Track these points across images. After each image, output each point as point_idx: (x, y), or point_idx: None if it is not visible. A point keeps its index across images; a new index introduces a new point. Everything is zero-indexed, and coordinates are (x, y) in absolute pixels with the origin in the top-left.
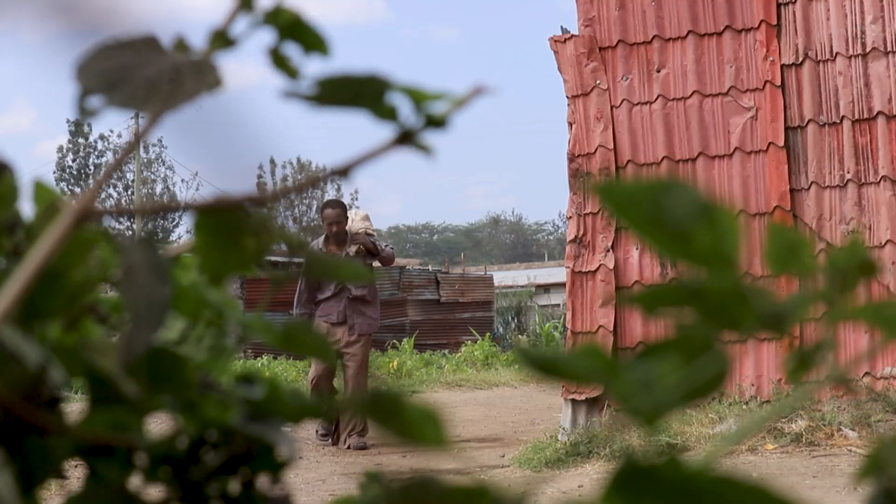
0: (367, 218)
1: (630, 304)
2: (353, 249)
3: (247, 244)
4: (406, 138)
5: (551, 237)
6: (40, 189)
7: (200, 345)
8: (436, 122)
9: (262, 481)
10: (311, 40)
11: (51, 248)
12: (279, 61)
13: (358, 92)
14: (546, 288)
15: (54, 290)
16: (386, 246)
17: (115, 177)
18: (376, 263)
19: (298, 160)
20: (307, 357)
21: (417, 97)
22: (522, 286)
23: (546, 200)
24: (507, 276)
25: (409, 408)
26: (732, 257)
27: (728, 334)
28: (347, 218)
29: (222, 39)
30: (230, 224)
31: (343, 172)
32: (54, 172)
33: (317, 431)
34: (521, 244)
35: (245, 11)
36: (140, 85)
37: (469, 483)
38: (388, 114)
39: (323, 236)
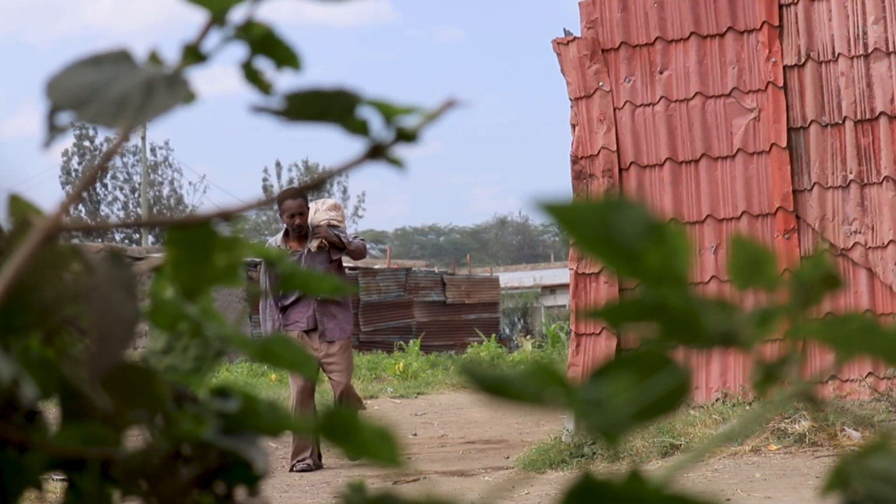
0: (335, 207)
1: (594, 318)
2: (314, 244)
3: (218, 259)
4: (377, 152)
5: (557, 238)
6: (16, 202)
7: (186, 354)
8: (406, 136)
9: (240, 494)
10: (284, 55)
11: (21, 264)
12: (251, 76)
13: (327, 106)
14: (552, 289)
15: (27, 305)
16: (355, 238)
17: (123, 179)
18: (345, 260)
19: (305, 163)
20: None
21: (388, 111)
22: (528, 287)
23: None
24: (513, 278)
25: (364, 427)
26: (682, 275)
27: (689, 349)
28: (308, 209)
29: (194, 54)
30: (201, 239)
31: (314, 187)
32: (60, 176)
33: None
34: (528, 245)
35: (217, 25)
36: (110, 101)
37: (425, 496)
38: (358, 128)
39: (282, 232)
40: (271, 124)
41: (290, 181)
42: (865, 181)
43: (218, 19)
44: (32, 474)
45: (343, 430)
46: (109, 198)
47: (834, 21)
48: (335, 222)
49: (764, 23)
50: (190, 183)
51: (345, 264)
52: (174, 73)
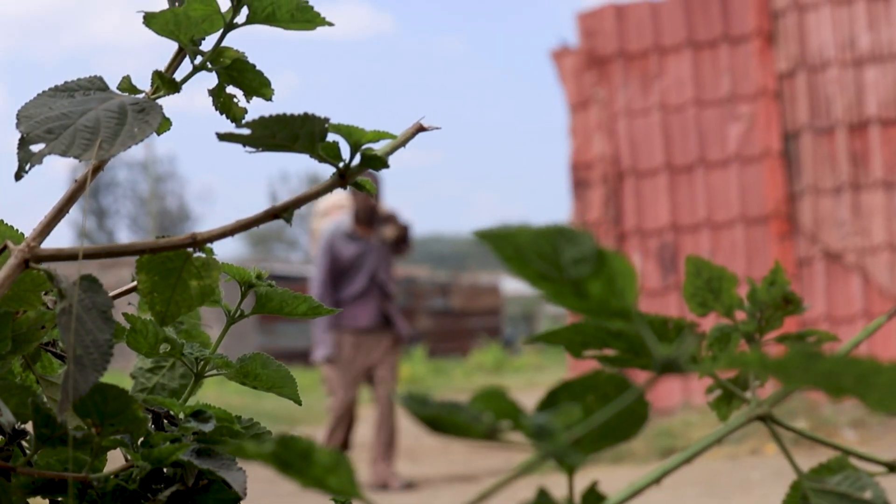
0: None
1: (555, 341)
2: (390, 234)
3: (192, 284)
4: (346, 178)
5: None
6: None
7: (174, 372)
8: (375, 162)
9: None
10: (254, 82)
11: None
12: (223, 103)
13: (294, 133)
14: None
15: (3, 331)
16: None
17: (129, 191)
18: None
19: (312, 175)
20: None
21: (355, 137)
22: (531, 293)
23: (554, 207)
24: (516, 284)
25: (318, 455)
26: (627, 305)
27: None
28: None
29: (167, 82)
30: (173, 265)
31: (281, 213)
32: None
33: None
34: None
35: (189, 54)
36: (79, 132)
37: None
38: (327, 154)
39: (351, 217)
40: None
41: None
42: (858, 185)
43: (189, 49)
44: (19, 499)
45: (295, 459)
46: (116, 210)
47: (825, 28)
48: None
49: (757, 31)
50: (196, 194)
51: None
52: (147, 101)
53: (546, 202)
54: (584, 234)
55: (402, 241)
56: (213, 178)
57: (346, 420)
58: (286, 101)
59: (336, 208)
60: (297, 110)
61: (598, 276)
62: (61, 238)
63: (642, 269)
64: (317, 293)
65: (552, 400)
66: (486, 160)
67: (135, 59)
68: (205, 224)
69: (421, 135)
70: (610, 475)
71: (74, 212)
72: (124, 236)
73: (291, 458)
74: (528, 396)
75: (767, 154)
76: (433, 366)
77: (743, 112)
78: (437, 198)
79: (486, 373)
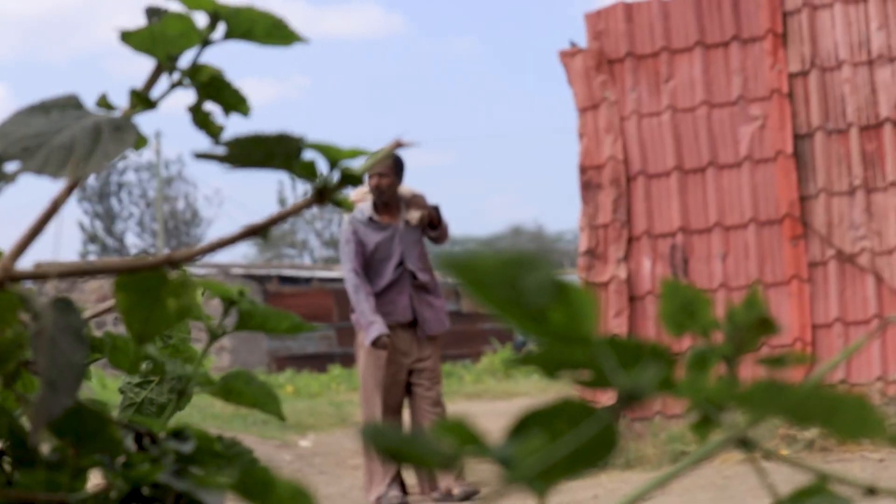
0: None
1: (531, 365)
2: (415, 216)
3: (169, 304)
4: (324, 195)
5: (571, 245)
6: None
7: (162, 387)
8: (352, 180)
9: None
10: (232, 99)
11: None
12: (201, 120)
13: (270, 152)
14: None
15: None
16: None
17: (138, 195)
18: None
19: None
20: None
21: (332, 155)
22: None
23: (567, 208)
24: None
25: (280, 484)
26: (588, 333)
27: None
28: (396, 177)
29: (143, 100)
30: (151, 284)
31: (260, 232)
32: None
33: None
34: (543, 253)
35: (166, 70)
36: (55, 151)
37: None
38: (304, 172)
39: (371, 202)
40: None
41: (306, 193)
42: (871, 187)
43: (166, 64)
44: None
45: (257, 488)
46: (125, 213)
47: (838, 28)
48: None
49: (768, 31)
50: (205, 197)
51: (334, 274)
52: (122, 119)
53: (560, 204)
54: (543, 262)
55: (433, 224)
56: (222, 180)
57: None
58: (297, 101)
59: (368, 194)
60: (308, 111)
61: (559, 305)
62: (71, 243)
63: (652, 273)
64: (350, 286)
65: (521, 427)
66: (500, 162)
67: (142, 63)
68: (214, 227)
69: (434, 136)
70: (619, 481)
71: (82, 216)
72: (131, 240)
73: (254, 488)
74: (539, 403)
75: (779, 156)
76: (444, 369)
77: (754, 113)
78: (450, 200)
79: (498, 377)
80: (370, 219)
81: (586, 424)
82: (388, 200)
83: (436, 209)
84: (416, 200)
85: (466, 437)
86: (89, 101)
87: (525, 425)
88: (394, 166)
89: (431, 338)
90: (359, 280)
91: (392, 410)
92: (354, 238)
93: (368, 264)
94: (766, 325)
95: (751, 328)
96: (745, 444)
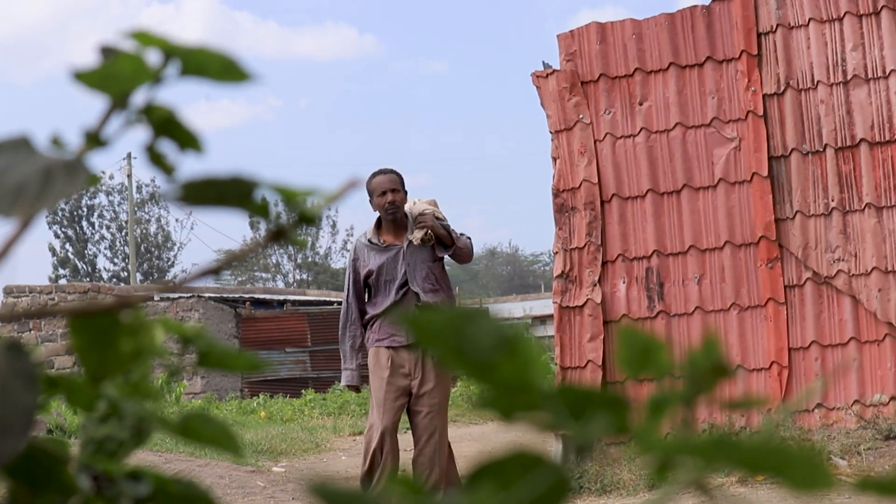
0: (434, 203)
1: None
2: (417, 236)
3: (123, 345)
4: (279, 235)
5: (547, 268)
6: None
7: (123, 423)
8: (307, 219)
9: None
10: (186, 138)
11: None
12: (155, 159)
13: (223, 192)
14: (542, 319)
15: None
16: (461, 234)
17: (109, 218)
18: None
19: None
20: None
21: (287, 194)
22: (519, 318)
23: (541, 231)
24: (503, 309)
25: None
26: (535, 385)
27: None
28: (406, 193)
29: (95, 139)
30: (104, 327)
31: (215, 272)
32: (46, 216)
33: None
34: (518, 276)
35: (119, 109)
36: (7, 189)
37: None
38: (259, 211)
39: (373, 223)
40: (257, 160)
41: (278, 216)
42: (847, 208)
43: (119, 103)
44: None
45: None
46: (97, 237)
47: (812, 49)
48: (439, 216)
49: (742, 52)
50: (177, 220)
51: (308, 297)
52: (74, 158)
53: (535, 226)
54: (490, 319)
55: (443, 241)
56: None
57: (378, 451)
58: (270, 123)
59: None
60: (282, 132)
61: (506, 356)
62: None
63: (627, 296)
64: (341, 320)
65: (476, 479)
66: (473, 184)
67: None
68: (186, 250)
69: (409, 158)
70: None
71: (53, 240)
72: (103, 263)
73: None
74: (512, 427)
75: (755, 177)
76: None
77: (729, 135)
78: None
79: (471, 401)
80: (370, 241)
81: (537, 474)
82: (400, 218)
83: (445, 228)
84: (419, 219)
85: (414, 493)
86: (50, 127)
87: (479, 476)
88: (400, 181)
89: (438, 366)
90: (348, 315)
91: (390, 432)
92: (353, 266)
93: (376, 285)
94: (720, 371)
95: (707, 372)
96: (702, 487)
